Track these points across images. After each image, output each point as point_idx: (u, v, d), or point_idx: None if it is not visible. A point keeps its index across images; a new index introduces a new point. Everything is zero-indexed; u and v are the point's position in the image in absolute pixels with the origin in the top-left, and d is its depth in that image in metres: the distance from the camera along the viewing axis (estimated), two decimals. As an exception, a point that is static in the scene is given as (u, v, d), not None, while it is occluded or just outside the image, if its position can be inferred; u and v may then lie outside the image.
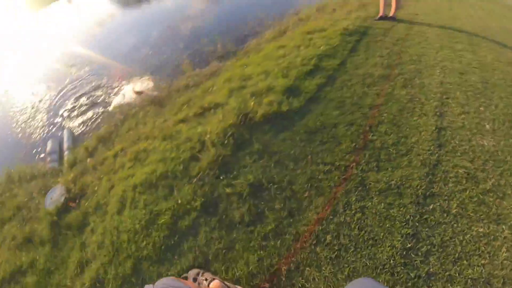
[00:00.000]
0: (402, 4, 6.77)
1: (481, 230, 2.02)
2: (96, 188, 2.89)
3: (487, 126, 2.97)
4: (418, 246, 1.88)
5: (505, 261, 1.91)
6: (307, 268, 1.84)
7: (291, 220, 2.08)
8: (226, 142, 2.65)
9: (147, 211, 2.33)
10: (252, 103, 2.99)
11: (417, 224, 1.99)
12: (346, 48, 4.15)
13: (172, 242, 2.12)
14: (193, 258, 2.00)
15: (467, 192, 2.23)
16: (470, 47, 4.91)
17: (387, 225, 1.98)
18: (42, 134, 5.01)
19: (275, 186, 2.27)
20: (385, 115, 2.84)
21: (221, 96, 3.35)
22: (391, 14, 5.66)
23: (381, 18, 5.63)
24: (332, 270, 1.82)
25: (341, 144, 2.52)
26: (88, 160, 3.50)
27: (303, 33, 4.95)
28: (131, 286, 2.02)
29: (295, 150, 2.50)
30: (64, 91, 5.95)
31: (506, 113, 3.22)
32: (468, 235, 1.96)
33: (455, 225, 2.01)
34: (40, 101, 5.91)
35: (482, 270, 1.82)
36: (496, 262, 1.88)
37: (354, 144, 2.52)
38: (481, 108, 3.21)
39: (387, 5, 5.63)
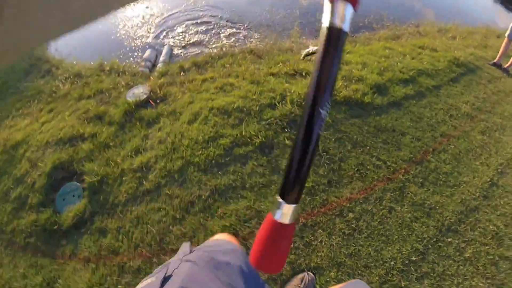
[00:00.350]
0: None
1: (481, 285, 2.18)
2: (177, 98, 3.27)
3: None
4: (420, 264, 2.07)
5: None
6: (320, 230, 2.12)
7: (327, 188, 2.36)
8: (302, 104, 2.92)
9: (213, 130, 2.70)
10: (340, 83, 3.22)
11: (429, 246, 2.18)
12: (448, 76, 4.18)
13: (222, 161, 2.49)
14: (233, 180, 2.36)
15: (487, 247, 2.36)
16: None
17: (404, 233, 2.19)
18: (143, 42, 5.46)
19: (327, 156, 2.54)
20: (452, 146, 2.97)
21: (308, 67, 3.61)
22: (506, 65, 5.47)
23: (495, 64, 5.46)
24: (340, 242, 2.07)
25: (401, 151, 2.72)
26: (180, 74, 3.91)
27: (414, 45, 4.98)
28: (172, 180, 2.41)
29: (359, 136, 2.73)
30: (177, 13, 6.34)
31: None
32: (467, 282, 2.12)
33: (461, 267, 2.17)
34: (151, 15, 6.34)
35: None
36: None
37: (411, 155, 2.70)
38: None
39: (506, 55, 5.44)
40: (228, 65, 4.03)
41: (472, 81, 4.37)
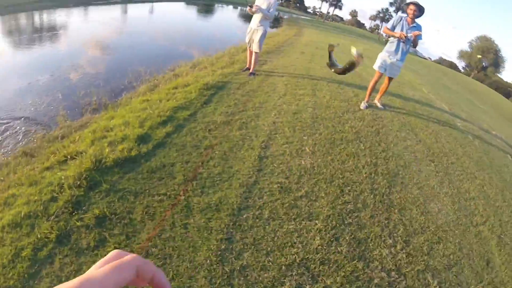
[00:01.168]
0: (264, 60, 8.04)
1: (291, 226, 2.71)
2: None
3: (307, 150, 3.85)
4: (232, 247, 2.43)
5: (319, 247, 2.59)
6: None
7: (128, 241, 2.53)
8: (80, 184, 3.02)
9: (12, 247, 2.58)
10: (107, 150, 3.43)
11: (231, 230, 2.57)
12: (201, 101, 4.85)
13: (33, 271, 2.41)
14: (50, 282, 2.31)
15: (279, 200, 2.95)
16: (312, 92, 6.09)
17: (205, 234, 2.51)
18: None
19: (117, 216, 2.72)
20: (217, 152, 3.51)
21: (83, 146, 3.70)
22: (251, 70, 6.73)
23: (247, 69, 6.81)
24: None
25: (175, 178, 3.06)
26: None
27: (169, 88, 5.58)
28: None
29: (137, 186, 2.97)
30: None
31: (328, 138, 4.23)
32: (279, 232, 2.62)
33: (267, 226, 2.65)
34: None
35: (295, 257, 2.45)
36: (310, 248, 2.56)
37: (185, 177, 3.07)
38: (305, 137, 4.13)
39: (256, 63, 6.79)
40: (3, 178, 3.81)
41: (223, 96, 5.20)
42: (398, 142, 5.04)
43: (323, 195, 3.18)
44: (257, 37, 6.35)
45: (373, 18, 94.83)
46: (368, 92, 6.06)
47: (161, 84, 6.37)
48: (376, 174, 3.87)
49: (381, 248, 2.81)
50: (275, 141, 3.94)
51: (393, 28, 5.51)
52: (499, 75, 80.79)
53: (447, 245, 3.25)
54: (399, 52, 5.54)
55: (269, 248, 2.47)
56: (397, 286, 2.57)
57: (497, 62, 73.84)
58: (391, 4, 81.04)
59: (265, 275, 2.27)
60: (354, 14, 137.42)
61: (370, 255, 2.72)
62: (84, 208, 2.83)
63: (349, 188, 3.42)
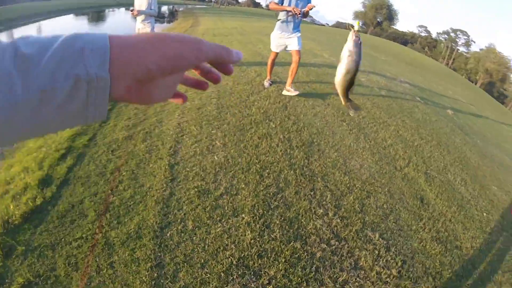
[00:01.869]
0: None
1: (219, 229, 2.52)
2: None
3: (218, 143, 3.65)
4: (164, 272, 2.20)
5: (252, 241, 2.45)
6: None
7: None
8: None
9: None
10: (12, 207, 2.97)
11: (159, 254, 2.33)
12: (98, 121, 4.42)
13: None
14: None
15: (200, 206, 2.74)
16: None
17: (133, 267, 2.25)
18: None
19: (41, 278, 2.33)
20: (124, 174, 3.18)
21: None
22: None
23: None
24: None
25: (87, 216, 2.72)
26: None
27: None
28: None
29: (51, 238, 2.58)
30: None
31: (237, 125, 4.05)
32: (208, 240, 2.43)
33: (194, 237, 2.45)
34: None
35: (231, 259, 2.29)
36: (244, 245, 2.40)
37: (97, 212, 2.75)
38: (213, 131, 3.91)
39: None
40: None
41: (121, 108, 4.76)
42: (307, 111, 5.04)
43: (243, 186, 3.03)
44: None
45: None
46: (268, 70, 5.83)
47: None
48: (291, 148, 3.80)
49: (314, 221, 2.77)
50: (183, 144, 3.69)
51: (281, 1, 5.06)
52: (394, 27, 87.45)
53: (377, 196, 3.31)
54: (292, 26, 5.20)
55: (202, 260, 2.29)
56: (341, 251, 2.56)
57: (391, 15, 79.70)
58: None
59: (207, 288, 2.10)
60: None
61: (305, 231, 2.66)
62: (7, 280, 2.40)
63: (267, 171, 3.31)
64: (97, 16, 33.49)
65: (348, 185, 3.34)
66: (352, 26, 1.40)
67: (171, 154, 3.46)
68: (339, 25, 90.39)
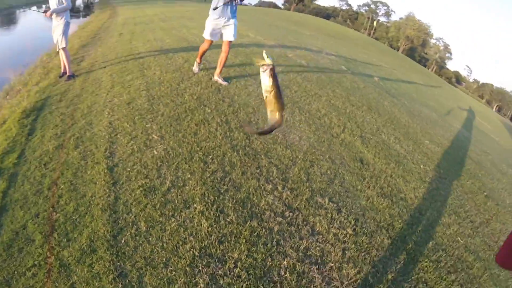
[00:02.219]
0: (81, 56, 7.20)
1: (173, 224, 2.47)
2: None
3: (155, 137, 3.54)
4: (127, 281, 2.11)
5: (209, 228, 2.47)
6: None
7: None
8: None
9: None
10: None
11: (118, 263, 2.22)
12: (24, 134, 4.06)
13: None
14: None
15: (149, 204, 2.65)
16: (140, 73, 5.62)
17: (96, 284, 2.11)
18: None
19: None
20: (62, 187, 2.98)
21: None
22: (67, 72, 5.89)
23: (63, 74, 5.99)
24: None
25: (35, 241, 2.51)
26: None
27: None
28: None
29: (3, 274, 2.27)
30: None
31: (171, 115, 3.95)
32: (165, 237, 2.38)
33: (150, 238, 2.37)
34: None
35: (193, 251, 2.29)
36: (202, 235, 2.42)
37: (43, 233, 2.55)
38: (148, 125, 3.78)
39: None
40: None
41: (46, 116, 4.42)
42: (241, 92, 5.04)
43: (189, 176, 2.98)
44: (58, 31, 5.63)
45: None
46: (199, 54, 5.44)
47: None
48: (230, 131, 3.80)
49: (265, 197, 2.83)
50: (119, 143, 3.51)
51: None
52: (316, 2, 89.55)
53: (320, 164, 3.44)
54: (228, 11, 4.79)
55: (164, 259, 2.23)
56: (296, 221, 2.65)
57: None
58: None
59: (175, 287, 2.07)
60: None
61: (259, 208, 2.72)
62: None
63: (210, 156, 3.28)
64: (7, 18, 30.47)
65: (291, 157, 3.43)
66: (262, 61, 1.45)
67: (107, 157, 3.28)
68: (261, 3, 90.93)
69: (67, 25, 5.71)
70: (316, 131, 4.13)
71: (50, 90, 5.51)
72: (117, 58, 7.04)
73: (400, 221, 2.98)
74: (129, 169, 3.07)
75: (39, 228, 2.60)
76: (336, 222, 2.72)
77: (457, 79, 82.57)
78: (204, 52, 5.43)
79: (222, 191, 2.82)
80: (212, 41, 5.08)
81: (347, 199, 3.04)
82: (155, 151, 3.32)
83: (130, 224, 2.50)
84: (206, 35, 5.01)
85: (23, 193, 3.04)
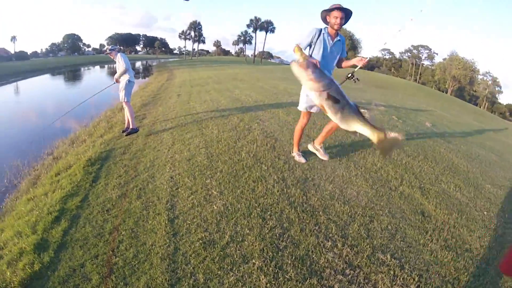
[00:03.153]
0: (143, 114, 7.68)
1: (232, 278, 2.47)
2: None
3: (214, 192, 3.62)
4: None
5: (268, 285, 2.42)
6: None
7: None
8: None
9: None
10: (9, 273, 2.81)
11: None
12: (88, 180, 4.36)
13: None
14: None
15: (208, 257, 2.66)
16: (199, 131, 5.90)
17: None
18: None
19: None
20: (123, 233, 3.09)
21: None
22: (131, 126, 6.35)
23: (127, 129, 6.46)
24: None
25: (91, 280, 2.59)
26: None
27: (52, 177, 4.98)
28: None
29: None
30: None
31: (230, 172, 4.04)
32: None
33: None
34: None
35: None
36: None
37: (101, 274, 2.63)
38: (208, 181, 3.88)
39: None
40: None
41: (110, 166, 4.76)
42: (292, 146, 5.04)
43: (248, 231, 2.98)
44: (121, 87, 6.30)
45: (236, 42, 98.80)
46: (296, 141, 4.61)
47: (43, 174, 5.68)
48: (287, 187, 3.78)
49: (325, 254, 2.73)
50: (179, 197, 3.64)
51: (310, 45, 3.90)
52: (359, 55, 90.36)
53: (380, 219, 3.32)
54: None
55: None
56: (358, 279, 2.52)
57: (354, 45, 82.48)
58: (248, 26, 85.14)
59: None
60: (217, 44, 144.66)
61: (318, 265, 2.61)
62: None
63: (269, 213, 3.26)
64: (73, 75, 33.66)
65: (349, 213, 3.34)
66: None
67: (168, 209, 3.40)
68: None
69: (129, 83, 6.32)
70: (373, 185, 4.03)
71: (114, 143, 5.92)
72: (176, 117, 7.54)
73: (466, 274, 2.74)
74: (189, 222, 3.15)
75: (97, 269, 2.69)
76: (399, 279, 2.56)
77: (510, 112, 78.25)
78: (301, 135, 4.57)
79: (280, 248, 2.78)
80: (310, 115, 4.31)
81: (410, 254, 2.87)
82: (214, 206, 3.39)
83: (189, 275, 2.50)
84: (302, 106, 4.19)
85: (84, 234, 3.20)
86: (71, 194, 4.07)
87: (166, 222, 3.16)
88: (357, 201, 3.60)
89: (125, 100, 6.28)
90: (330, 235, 2.98)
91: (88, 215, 3.53)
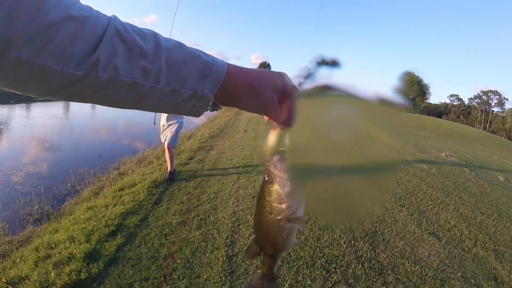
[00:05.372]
0: (210, 145, 7.80)
1: None
2: None
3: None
4: None
5: None
6: None
7: None
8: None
9: None
10: (53, 274, 2.86)
11: None
12: (151, 201, 4.42)
13: None
14: None
15: None
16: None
17: None
18: None
19: None
20: (178, 261, 3.03)
21: (26, 268, 3.07)
22: (169, 169, 5.59)
23: (171, 174, 5.55)
24: None
25: None
26: None
27: (115, 191, 5.11)
28: None
29: None
30: None
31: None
32: None
33: None
34: None
35: None
36: None
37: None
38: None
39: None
40: None
41: (174, 191, 4.80)
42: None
43: (310, 282, 2.78)
44: (170, 131, 5.48)
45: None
46: None
47: (106, 186, 5.85)
48: (355, 240, 3.56)
49: None
50: (240, 234, 3.54)
51: None
52: (427, 101, 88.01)
53: (451, 283, 3.01)
54: None
55: None
56: None
57: (422, 91, 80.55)
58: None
59: None
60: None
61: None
62: None
63: (334, 265, 3.06)
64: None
65: (420, 275, 3.04)
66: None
67: (228, 245, 3.31)
68: None
69: (181, 126, 5.61)
70: (446, 245, 3.68)
71: (179, 169, 6.03)
72: (242, 152, 7.58)
73: None
74: (247, 262, 3.01)
75: (145, 292, 2.62)
76: None
77: None
78: None
79: (344, 305, 2.57)
80: None
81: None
82: (273, 249, 3.25)
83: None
84: None
85: (138, 254, 3.18)
86: (131, 211, 4.14)
87: (224, 259, 3.06)
88: (429, 262, 3.29)
89: (173, 146, 5.56)
90: (398, 297, 2.72)
91: (145, 236, 3.53)
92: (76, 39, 0.41)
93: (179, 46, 0.51)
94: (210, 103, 0.55)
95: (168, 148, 5.44)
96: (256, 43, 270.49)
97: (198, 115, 0.57)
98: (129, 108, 0.52)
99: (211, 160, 6.92)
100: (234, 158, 6.98)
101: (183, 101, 0.52)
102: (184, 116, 5.42)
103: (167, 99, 0.51)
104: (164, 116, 5.52)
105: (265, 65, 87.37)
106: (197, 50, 0.53)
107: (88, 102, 0.49)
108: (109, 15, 0.47)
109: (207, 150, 8.00)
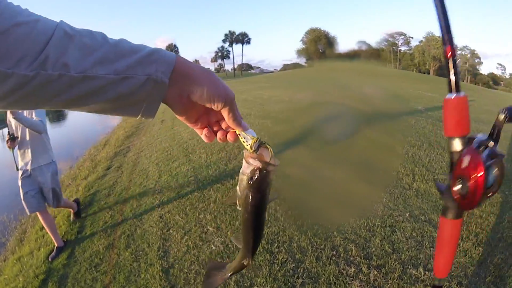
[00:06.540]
0: (127, 147, 7.20)
1: None
2: None
3: (211, 229, 3.18)
4: None
5: None
6: None
7: None
8: None
9: None
10: None
11: None
12: (73, 232, 3.91)
13: None
14: None
15: None
16: (186, 158, 5.48)
17: None
18: None
19: None
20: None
21: None
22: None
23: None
24: None
25: None
26: None
27: (37, 231, 4.53)
28: None
29: None
30: None
31: (224, 201, 3.60)
32: None
33: None
34: None
35: None
36: None
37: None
38: (201, 215, 3.47)
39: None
40: None
41: (95, 213, 4.30)
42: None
43: (253, 274, 2.54)
44: (46, 182, 3.56)
45: (214, 59, 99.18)
46: None
47: (29, 228, 5.15)
48: (292, 209, 3.37)
49: (350, 284, 2.40)
50: (172, 240, 3.19)
51: None
52: (336, 52, 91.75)
53: (402, 226, 3.08)
54: None
55: None
56: None
57: (330, 42, 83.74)
58: (223, 41, 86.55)
59: None
60: (196, 63, 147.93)
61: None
62: None
63: (276, 244, 2.81)
64: (57, 113, 32.93)
65: (367, 227, 2.94)
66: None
67: (161, 257, 2.96)
68: (286, 67, 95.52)
69: (55, 169, 3.74)
70: (385, 188, 3.65)
71: (98, 185, 5.45)
72: (161, 146, 7.10)
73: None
74: (186, 270, 2.70)
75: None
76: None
77: (494, 81, 79.54)
78: None
79: (297, 286, 2.35)
80: None
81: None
82: (212, 246, 2.94)
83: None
84: None
85: None
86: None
87: (160, 274, 2.73)
88: (373, 211, 3.21)
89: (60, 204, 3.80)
90: (351, 258, 2.58)
91: (75, 274, 3.10)
92: (26, 41, 0.41)
93: (125, 40, 0.52)
94: (166, 91, 0.52)
95: (42, 213, 3.56)
96: (160, 26, 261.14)
97: (152, 113, 0.56)
98: (90, 109, 0.51)
99: (129, 163, 6.40)
100: (153, 155, 6.52)
101: (138, 89, 0.49)
102: (53, 155, 3.73)
103: (122, 89, 0.48)
104: (27, 153, 3.49)
105: (172, 48, 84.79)
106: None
107: (49, 106, 0.48)
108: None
109: (124, 154, 7.45)
